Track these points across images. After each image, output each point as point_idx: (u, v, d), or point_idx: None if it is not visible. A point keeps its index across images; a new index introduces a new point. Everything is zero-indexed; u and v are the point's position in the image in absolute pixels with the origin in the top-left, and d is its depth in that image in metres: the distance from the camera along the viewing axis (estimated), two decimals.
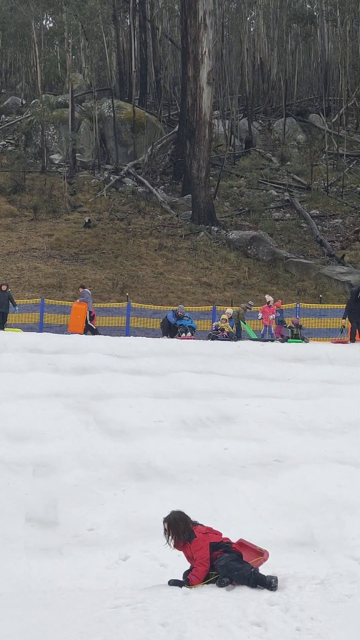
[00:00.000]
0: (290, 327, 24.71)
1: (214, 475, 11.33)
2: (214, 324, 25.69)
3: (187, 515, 7.19)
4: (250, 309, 27.15)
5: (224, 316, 25.25)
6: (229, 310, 26.19)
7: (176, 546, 7.12)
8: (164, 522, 7.12)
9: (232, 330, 24.81)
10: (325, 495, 10.70)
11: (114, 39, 63.50)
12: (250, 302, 27.75)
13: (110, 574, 7.83)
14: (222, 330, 24.41)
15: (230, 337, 24.05)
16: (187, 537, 7.04)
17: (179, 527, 7.08)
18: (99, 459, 12.01)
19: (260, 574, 6.84)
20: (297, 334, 24.07)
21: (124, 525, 9.75)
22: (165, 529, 7.09)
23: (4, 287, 25.27)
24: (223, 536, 7.19)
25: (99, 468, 11.70)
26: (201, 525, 7.20)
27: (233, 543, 7.19)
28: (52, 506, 10.39)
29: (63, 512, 10.24)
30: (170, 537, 7.08)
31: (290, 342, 23.25)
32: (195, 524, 7.16)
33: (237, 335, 25.06)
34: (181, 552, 7.25)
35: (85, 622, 5.91)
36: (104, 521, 9.93)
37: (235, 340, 23.58)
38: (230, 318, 25.45)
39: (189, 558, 7.09)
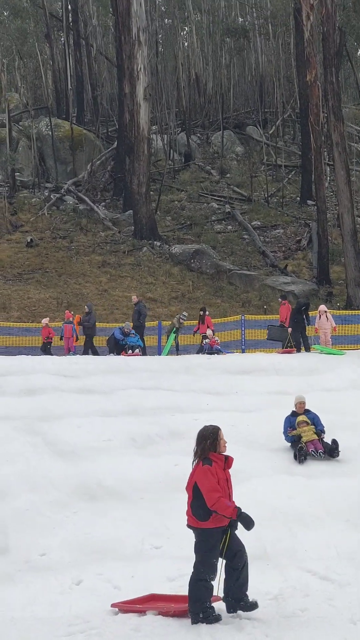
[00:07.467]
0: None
1: (165, 492, 11.31)
2: (205, 341, 23.86)
3: (217, 435, 7.15)
4: (184, 320, 25.93)
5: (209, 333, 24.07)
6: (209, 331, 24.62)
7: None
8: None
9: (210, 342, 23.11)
10: (276, 507, 10.75)
11: (49, 57, 63.33)
12: (184, 314, 26.59)
13: (64, 599, 7.74)
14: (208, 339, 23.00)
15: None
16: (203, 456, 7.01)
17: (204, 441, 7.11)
18: (49, 481, 11.89)
19: None
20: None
21: (77, 548, 9.67)
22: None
23: None
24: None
25: (50, 490, 11.59)
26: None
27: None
28: (2, 532, 10.25)
29: (14, 538, 10.11)
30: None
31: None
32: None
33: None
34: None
35: None
36: (56, 545, 9.83)
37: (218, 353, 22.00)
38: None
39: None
